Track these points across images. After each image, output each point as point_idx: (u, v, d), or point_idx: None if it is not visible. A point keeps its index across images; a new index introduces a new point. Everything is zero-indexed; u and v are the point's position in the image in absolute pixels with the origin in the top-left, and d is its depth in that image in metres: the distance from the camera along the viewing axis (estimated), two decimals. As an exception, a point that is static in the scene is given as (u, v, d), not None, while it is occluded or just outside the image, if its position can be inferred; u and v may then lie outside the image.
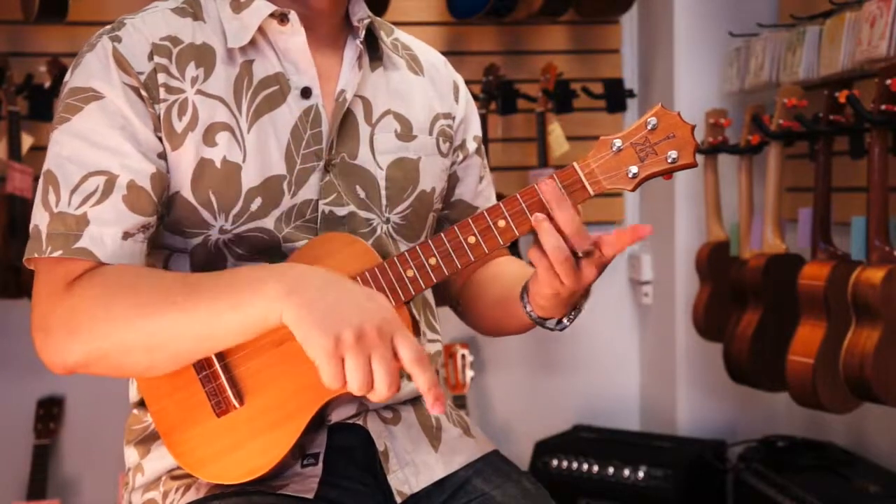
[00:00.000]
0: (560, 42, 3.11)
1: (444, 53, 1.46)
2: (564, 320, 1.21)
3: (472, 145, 1.42)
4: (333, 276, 1.07)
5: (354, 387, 1.01)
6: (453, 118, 1.38)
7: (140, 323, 1.08)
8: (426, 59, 1.39)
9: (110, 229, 1.13)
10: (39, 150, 1.19)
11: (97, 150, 1.14)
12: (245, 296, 1.05)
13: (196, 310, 1.07)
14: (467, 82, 1.46)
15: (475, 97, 1.48)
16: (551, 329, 1.22)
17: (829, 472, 2.35)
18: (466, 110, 1.42)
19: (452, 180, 1.41)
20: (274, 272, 1.06)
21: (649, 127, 1.12)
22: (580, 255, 1.11)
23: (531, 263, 1.14)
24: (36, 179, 1.19)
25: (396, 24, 1.44)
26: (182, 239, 1.21)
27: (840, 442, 2.55)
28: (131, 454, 1.26)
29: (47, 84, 2.62)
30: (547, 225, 1.10)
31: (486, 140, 1.41)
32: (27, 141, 2.63)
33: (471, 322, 1.42)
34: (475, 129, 1.43)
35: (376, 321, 1.02)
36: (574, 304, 1.19)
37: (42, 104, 2.61)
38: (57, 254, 1.12)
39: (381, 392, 1.01)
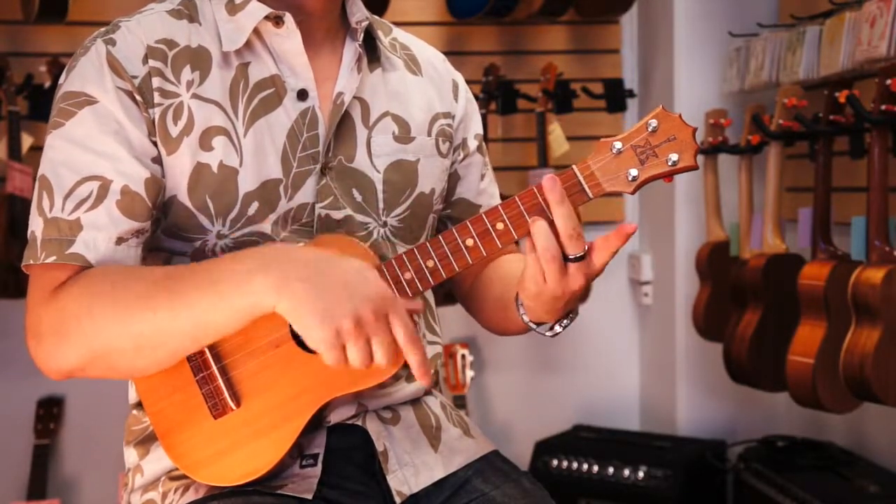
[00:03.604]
0: (560, 42, 3.11)
1: (444, 53, 1.45)
2: (556, 326, 1.19)
3: (472, 143, 1.41)
4: (318, 258, 1.07)
5: (357, 365, 1.04)
6: (453, 117, 1.38)
7: (126, 325, 1.08)
8: (425, 58, 1.39)
9: (103, 234, 1.13)
10: (39, 149, 1.19)
11: (91, 156, 1.14)
12: (232, 292, 1.05)
13: (182, 308, 1.07)
14: (467, 82, 1.45)
15: (475, 97, 1.47)
16: (543, 334, 1.21)
17: (829, 472, 2.35)
18: (466, 108, 1.41)
19: (453, 179, 1.40)
20: (258, 264, 1.06)
21: (650, 129, 1.11)
22: (571, 258, 1.10)
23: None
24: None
25: (396, 24, 1.43)
26: (181, 243, 1.21)
27: (840, 442, 2.55)
28: (131, 455, 1.26)
29: (47, 84, 2.62)
30: (542, 224, 1.09)
31: (486, 140, 1.41)
32: (27, 141, 2.63)
33: (480, 321, 1.42)
34: (476, 126, 1.43)
35: (370, 303, 1.04)
36: (565, 310, 1.18)
37: (42, 104, 2.61)
38: (51, 259, 1.12)
39: (380, 366, 1.06)
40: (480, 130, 1.44)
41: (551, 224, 1.10)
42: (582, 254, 1.10)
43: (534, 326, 1.21)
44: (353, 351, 1.03)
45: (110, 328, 1.09)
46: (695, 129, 1.12)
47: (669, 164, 1.11)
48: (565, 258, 1.10)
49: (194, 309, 1.07)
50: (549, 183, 1.10)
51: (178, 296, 1.07)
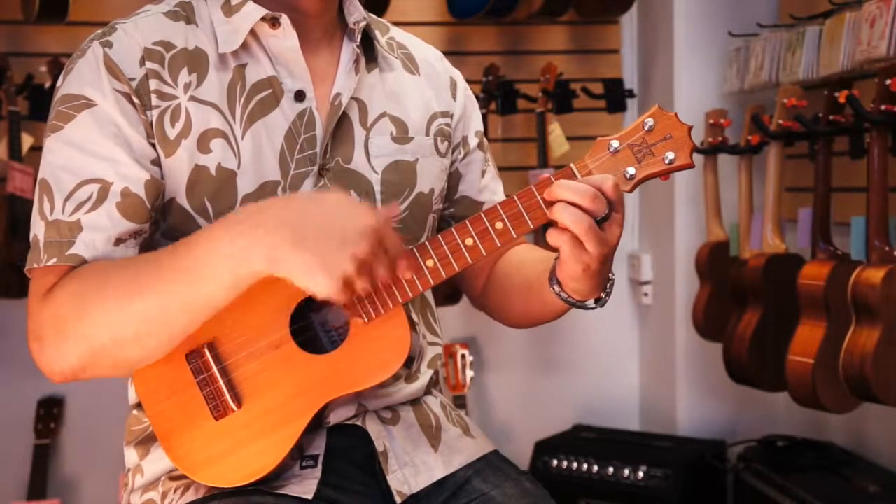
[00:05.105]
0: (560, 42, 3.11)
1: (444, 53, 1.45)
2: (602, 296, 1.20)
3: (473, 141, 1.41)
4: (298, 212, 1.06)
5: (364, 292, 1.09)
6: (451, 116, 1.38)
7: (122, 315, 1.08)
8: (422, 58, 1.39)
9: (102, 235, 1.13)
10: (40, 149, 1.20)
11: (90, 158, 1.14)
12: (222, 266, 1.06)
13: (175, 290, 1.07)
14: (467, 82, 1.45)
15: (475, 97, 1.47)
16: (591, 308, 1.21)
17: (829, 472, 2.34)
18: (465, 106, 1.41)
19: (455, 177, 1.40)
20: (243, 234, 1.05)
21: (646, 128, 1.12)
22: (601, 218, 1.10)
23: (551, 249, 1.14)
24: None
25: (396, 24, 1.43)
26: None
27: (840, 442, 2.55)
28: (131, 455, 1.26)
29: (47, 84, 2.62)
30: (559, 206, 1.09)
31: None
32: (27, 141, 2.63)
33: (498, 316, 1.41)
34: (476, 124, 1.43)
35: (363, 239, 1.04)
36: (606, 274, 1.18)
37: (42, 104, 2.61)
38: (52, 262, 1.13)
39: (384, 279, 1.09)
40: (481, 127, 1.44)
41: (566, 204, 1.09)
42: (608, 210, 1.10)
43: (581, 304, 1.20)
44: (361, 285, 1.06)
45: (106, 319, 1.09)
46: (690, 127, 1.13)
47: (666, 162, 1.12)
48: (598, 221, 1.09)
49: (186, 291, 1.07)
50: (554, 187, 1.10)
51: (169, 278, 1.08)
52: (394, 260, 1.08)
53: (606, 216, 1.10)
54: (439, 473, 1.26)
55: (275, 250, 1.04)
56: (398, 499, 1.21)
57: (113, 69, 1.15)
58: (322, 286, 1.04)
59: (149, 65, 1.17)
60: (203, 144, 1.17)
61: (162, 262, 1.09)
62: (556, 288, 1.19)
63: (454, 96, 1.39)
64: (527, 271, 1.30)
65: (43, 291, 1.13)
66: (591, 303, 1.20)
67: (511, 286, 1.34)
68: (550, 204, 1.11)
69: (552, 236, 1.11)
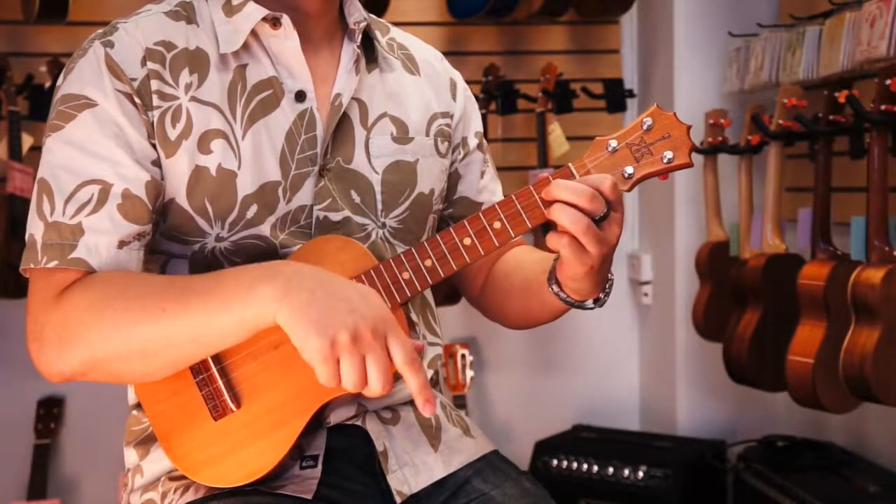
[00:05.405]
0: (560, 42, 3.11)
1: (444, 53, 1.45)
2: (601, 296, 1.20)
3: (472, 141, 1.41)
4: (324, 275, 1.07)
5: (349, 386, 1.02)
6: (451, 116, 1.38)
7: (132, 331, 1.08)
8: (422, 58, 1.39)
9: (105, 238, 1.13)
10: (39, 149, 1.19)
11: (91, 159, 1.13)
12: (238, 299, 1.05)
13: (188, 315, 1.06)
14: (467, 82, 1.45)
15: (475, 97, 1.47)
16: (590, 308, 1.21)
17: (829, 472, 2.35)
18: (465, 107, 1.41)
19: (454, 178, 1.40)
20: (265, 273, 1.06)
21: (645, 127, 1.13)
22: (600, 217, 1.10)
23: (550, 250, 1.14)
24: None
25: (396, 24, 1.43)
26: (179, 245, 1.21)
27: (840, 442, 2.55)
28: (131, 455, 1.26)
29: (47, 84, 2.62)
30: (556, 206, 1.09)
31: (486, 139, 1.43)
32: (27, 141, 2.63)
33: (496, 316, 1.41)
34: (476, 124, 1.43)
35: (370, 321, 1.03)
36: (606, 274, 1.18)
37: (42, 104, 2.61)
38: (52, 264, 1.12)
39: (374, 390, 1.03)
40: (480, 128, 1.44)
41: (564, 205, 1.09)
42: (606, 210, 1.10)
43: (580, 305, 1.20)
44: (347, 367, 1.01)
45: (115, 335, 1.08)
46: (689, 127, 1.13)
47: (664, 161, 1.13)
48: (597, 221, 1.10)
49: (199, 318, 1.06)
50: (551, 188, 1.10)
51: (184, 304, 1.07)
52: (388, 370, 1.02)
53: (605, 216, 1.10)
54: (439, 473, 1.26)
55: (285, 291, 1.03)
56: (398, 499, 1.21)
57: (114, 69, 1.15)
58: (310, 340, 1.01)
59: (150, 65, 1.17)
60: (203, 145, 1.17)
61: (182, 293, 1.08)
62: (556, 288, 1.19)
63: (454, 97, 1.40)
64: (526, 272, 1.31)
65: (48, 294, 1.12)
66: (589, 303, 1.20)
67: (510, 286, 1.34)
68: (549, 204, 1.11)
69: (551, 240, 1.11)
